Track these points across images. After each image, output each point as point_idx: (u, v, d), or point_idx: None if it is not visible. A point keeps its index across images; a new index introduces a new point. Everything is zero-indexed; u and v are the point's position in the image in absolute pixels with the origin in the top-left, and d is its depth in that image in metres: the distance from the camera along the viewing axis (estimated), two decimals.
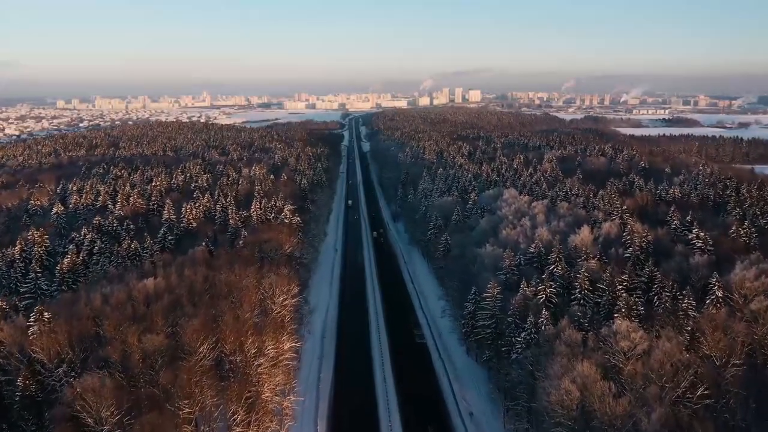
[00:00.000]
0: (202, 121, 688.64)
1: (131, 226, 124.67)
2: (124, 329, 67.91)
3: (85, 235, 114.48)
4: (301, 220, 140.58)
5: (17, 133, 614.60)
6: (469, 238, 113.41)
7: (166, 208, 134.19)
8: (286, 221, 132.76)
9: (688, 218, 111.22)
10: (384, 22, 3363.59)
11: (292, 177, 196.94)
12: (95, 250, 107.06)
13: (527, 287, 78.36)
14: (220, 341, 69.25)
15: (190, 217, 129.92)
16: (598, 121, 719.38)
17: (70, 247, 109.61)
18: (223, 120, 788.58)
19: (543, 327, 69.18)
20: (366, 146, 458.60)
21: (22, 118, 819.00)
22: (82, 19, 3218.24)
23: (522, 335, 70.25)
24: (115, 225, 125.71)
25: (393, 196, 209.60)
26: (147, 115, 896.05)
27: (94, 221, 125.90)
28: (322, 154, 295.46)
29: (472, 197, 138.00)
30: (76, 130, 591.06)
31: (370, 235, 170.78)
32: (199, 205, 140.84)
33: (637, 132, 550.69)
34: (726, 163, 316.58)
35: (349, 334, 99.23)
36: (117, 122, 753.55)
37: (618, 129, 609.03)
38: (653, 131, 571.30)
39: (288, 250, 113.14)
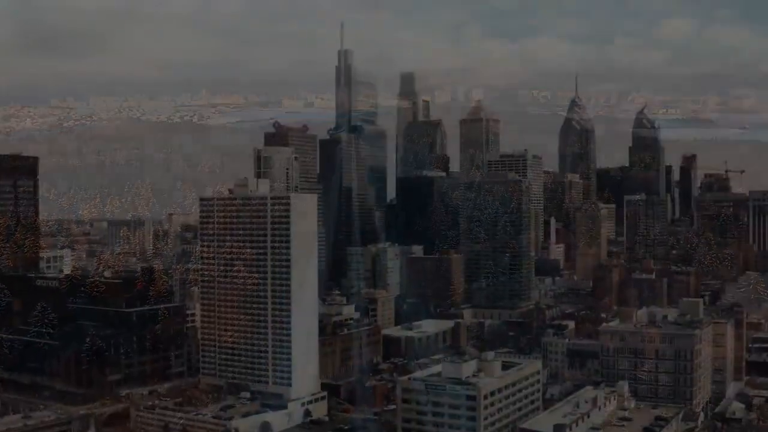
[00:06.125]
0: (195, 120, 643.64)
1: None
2: None
3: None
4: None
5: None
6: None
7: None
8: None
9: None
10: (386, 20, 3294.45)
11: None
12: None
13: None
14: None
15: None
16: (609, 121, 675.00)
17: None
18: (217, 119, 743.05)
19: None
20: None
21: (6, 118, 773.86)
22: (84, 17, 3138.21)
23: None
24: None
25: None
26: (139, 114, 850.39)
27: None
28: None
29: None
30: (60, 130, 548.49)
31: None
32: None
33: (661, 135, 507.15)
34: None
35: None
36: (104, 121, 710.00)
37: (637, 130, 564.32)
38: (673, 133, 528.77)
39: None
